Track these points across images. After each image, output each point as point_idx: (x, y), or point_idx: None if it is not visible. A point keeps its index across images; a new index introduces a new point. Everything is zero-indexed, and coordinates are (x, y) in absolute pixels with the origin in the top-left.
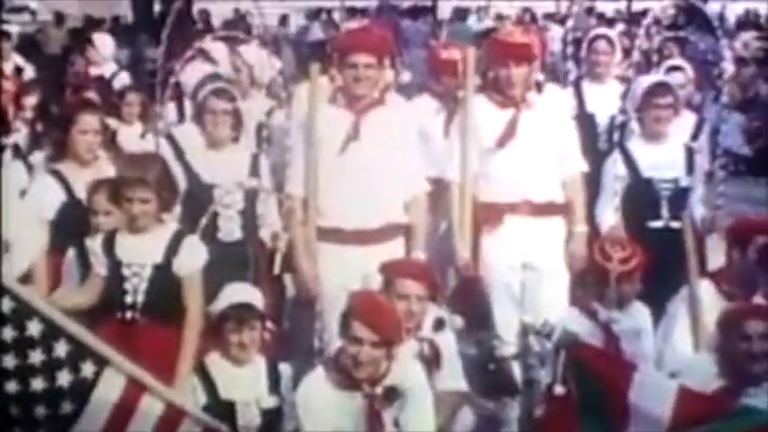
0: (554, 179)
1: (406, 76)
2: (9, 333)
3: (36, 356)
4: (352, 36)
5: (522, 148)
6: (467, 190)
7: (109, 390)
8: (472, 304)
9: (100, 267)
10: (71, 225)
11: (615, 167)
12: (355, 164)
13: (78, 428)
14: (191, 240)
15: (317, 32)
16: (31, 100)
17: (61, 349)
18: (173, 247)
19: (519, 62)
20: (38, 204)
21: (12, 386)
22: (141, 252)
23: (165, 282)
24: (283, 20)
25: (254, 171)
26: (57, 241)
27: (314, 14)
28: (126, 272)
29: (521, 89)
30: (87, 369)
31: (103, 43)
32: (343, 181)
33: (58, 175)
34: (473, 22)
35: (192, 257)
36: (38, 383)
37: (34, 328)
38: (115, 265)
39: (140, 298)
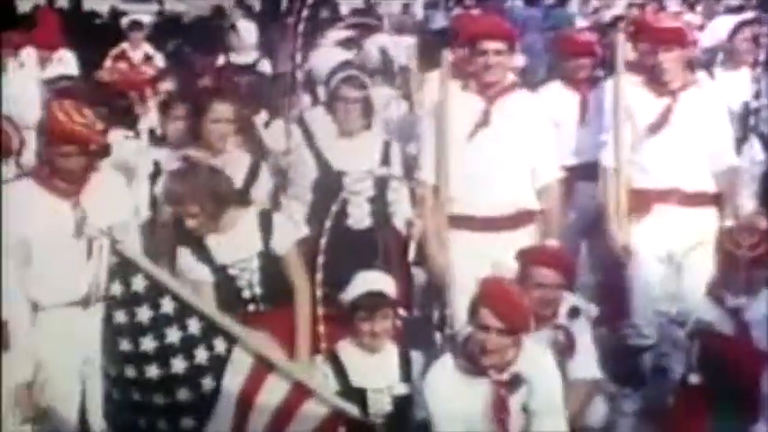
0: (705, 169)
1: (520, 61)
2: (146, 314)
3: (173, 335)
4: (481, 23)
5: (675, 136)
6: (622, 176)
7: (237, 369)
8: (613, 292)
9: (205, 275)
10: None
11: (752, 153)
12: (486, 150)
13: (218, 411)
14: (278, 218)
15: (440, 20)
16: (165, 86)
17: (195, 326)
18: (265, 231)
19: (669, 48)
20: None
21: (153, 370)
22: (238, 248)
23: (273, 267)
24: (405, 8)
25: (385, 159)
26: None
27: (433, 3)
28: (233, 271)
29: (673, 76)
30: (220, 345)
31: (247, 31)
32: (474, 168)
33: (188, 161)
34: (575, 8)
35: (285, 233)
36: (178, 363)
37: (168, 306)
38: (221, 268)
39: (257, 290)
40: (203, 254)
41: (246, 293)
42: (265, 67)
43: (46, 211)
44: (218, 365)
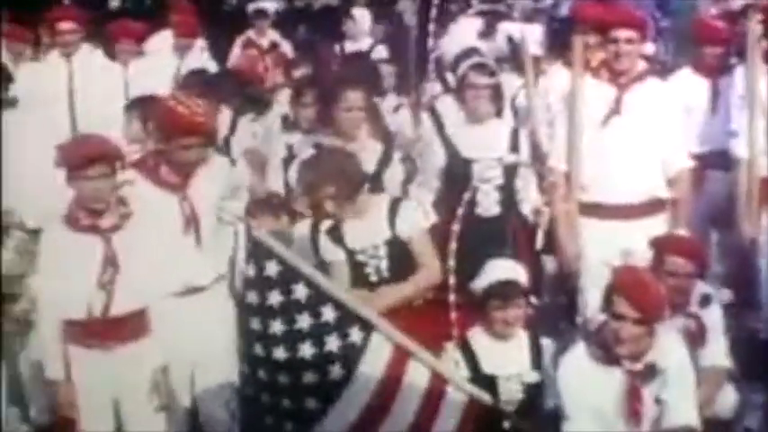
0: None
1: (650, 48)
2: (276, 298)
3: (304, 321)
4: (613, 11)
5: None
6: (755, 167)
7: (376, 356)
8: (742, 283)
9: (331, 258)
10: None
11: None
12: (617, 138)
13: (347, 395)
14: (406, 205)
15: (567, 7)
16: (298, 73)
17: (329, 314)
18: (393, 216)
19: None
20: None
21: (280, 353)
22: (369, 233)
23: (400, 252)
24: None
25: (514, 146)
26: None
27: None
28: (362, 257)
29: None
30: (356, 334)
31: (362, 18)
32: (605, 155)
33: (320, 149)
34: None
35: (414, 218)
36: (306, 349)
37: (300, 292)
38: (350, 254)
39: (386, 275)
40: (337, 238)
41: (374, 278)
42: (381, 53)
43: (153, 204)
44: (352, 353)
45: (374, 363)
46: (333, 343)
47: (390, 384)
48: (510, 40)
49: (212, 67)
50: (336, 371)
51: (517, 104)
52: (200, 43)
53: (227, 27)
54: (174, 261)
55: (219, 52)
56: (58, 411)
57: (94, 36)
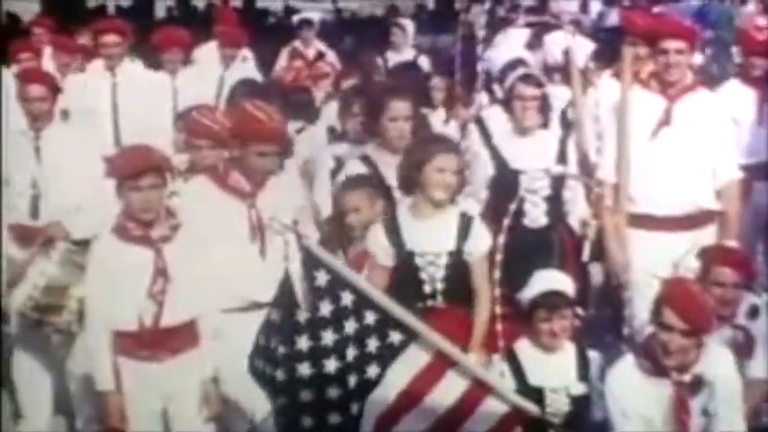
0: None
1: (698, 59)
2: (327, 307)
3: (350, 326)
4: (663, 22)
5: None
6: None
7: (412, 360)
8: None
9: (385, 258)
10: None
11: None
12: (666, 150)
13: (378, 391)
14: (477, 223)
15: (613, 18)
16: (345, 84)
17: (371, 318)
18: (463, 233)
19: None
20: None
21: (331, 364)
22: (433, 239)
23: (458, 267)
24: (583, 6)
25: (562, 157)
26: None
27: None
28: (420, 261)
29: None
30: (395, 337)
31: (407, 29)
32: (654, 167)
33: (367, 160)
34: (753, 6)
35: (482, 241)
36: (350, 352)
37: (347, 299)
38: (407, 255)
39: (439, 286)
40: (395, 236)
41: (428, 288)
42: (424, 64)
43: (220, 212)
44: (387, 356)
45: (405, 370)
46: (372, 344)
47: (415, 394)
48: (559, 50)
49: (257, 77)
50: (372, 370)
51: (566, 116)
52: (244, 53)
53: (273, 38)
54: (236, 271)
55: (265, 63)
56: (106, 422)
57: (139, 46)
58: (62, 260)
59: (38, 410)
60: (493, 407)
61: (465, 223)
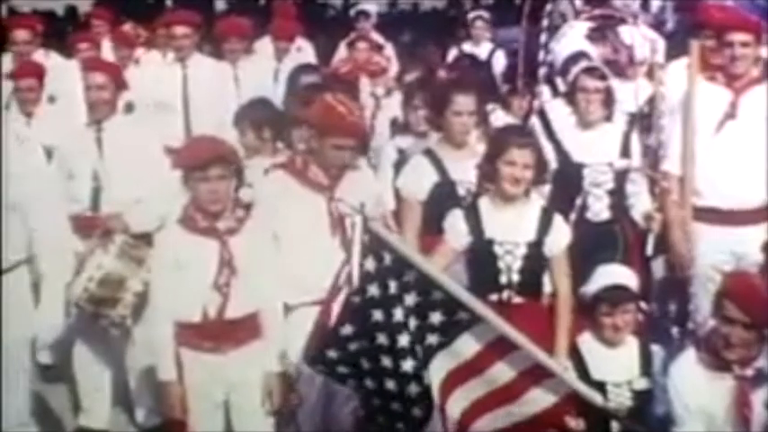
0: None
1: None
2: (394, 286)
3: (411, 300)
4: (728, 14)
5: None
6: None
7: (477, 336)
8: None
9: (456, 242)
10: (443, 206)
11: None
12: (732, 143)
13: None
14: (559, 219)
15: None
16: (409, 76)
17: (437, 295)
18: (543, 226)
19: None
20: (411, 184)
21: (404, 339)
22: (513, 229)
23: (536, 260)
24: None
25: (625, 151)
26: (428, 222)
27: None
28: (498, 250)
29: None
30: (462, 315)
31: (481, 22)
32: (720, 160)
33: (431, 155)
34: None
35: (562, 236)
36: (412, 322)
37: (410, 276)
38: (486, 243)
39: (515, 277)
40: (474, 221)
41: (503, 278)
42: (500, 59)
43: (300, 206)
44: (452, 330)
45: (471, 342)
46: (436, 318)
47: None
48: (623, 43)
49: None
50: (434, 339)
51: (629, 108)
52: (299, 43)
53: (332, 30)
54: (314, 263)
55: (323, 55)
56: (167, 413)
57: (204, 38)
58: (119, 253)
59: (98, 403)
60: (541, 395)
61: (546, 217)
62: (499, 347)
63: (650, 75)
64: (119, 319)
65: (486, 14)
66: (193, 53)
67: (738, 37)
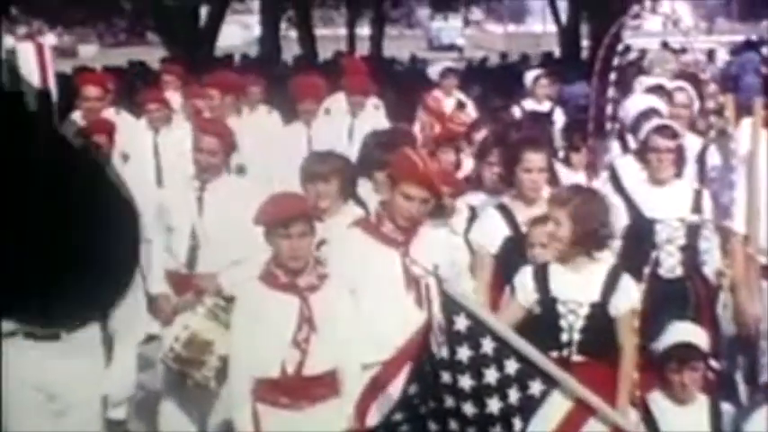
0: None
1: None
2: (465, 353)
3: (491, 375)
4: None
5: None
6: None
7: (554, 410)
8: None
9: (524, 299)
10: (514, 260)
11: None
12: None
13: None
14: (626, 278)
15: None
16: (479, 136)
17: (512, 367)
18: (610, 285)
19: None
20: (483, 237)
21: (468, 408)
22: (578, 289)
23: (600, 320)
24: (710, 54)
25: (697, 207)
26: (499, 275)
27: (739, 49)
28: (562, 309)
29: None
30: (535, 387)
31: (546, 79)
32: None
33: (504, 210)
34: None
35: (629, 296)
36: (493, 404)
37: (488, 346)
38: (550, 301)
39: (576, 336)
40: (542, 280)
41: (565, 336)
42: (559, 115)
43: (376, 261)
44: (529, 407)
45: (547, 419)
46: (514, 395)
47: None
48: (691, 99)
49: (385, 125)
50: (517, 424)
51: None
52: (375, 101)
53: (402, 86)
54: (388, 320)
55: (394, 112)
56: None
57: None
58: (208, 315)
59: None
60: None
61: (613, 276)
62: (574, 421)
63: (720, 131)
64: (203, 381)
65: (539, 73)
66: (258, 109)
67: None
